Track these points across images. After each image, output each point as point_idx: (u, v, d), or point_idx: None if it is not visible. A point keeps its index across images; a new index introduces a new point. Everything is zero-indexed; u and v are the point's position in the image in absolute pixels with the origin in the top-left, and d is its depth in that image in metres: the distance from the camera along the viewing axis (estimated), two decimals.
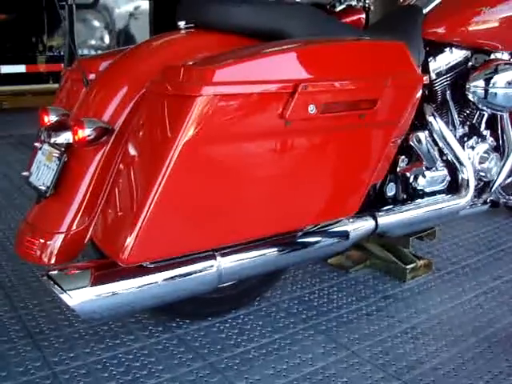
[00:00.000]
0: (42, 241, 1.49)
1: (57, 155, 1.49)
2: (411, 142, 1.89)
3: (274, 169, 1.45)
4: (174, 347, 1.74)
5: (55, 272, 1.39)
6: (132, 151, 1.41)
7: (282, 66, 1.34)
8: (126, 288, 1.42)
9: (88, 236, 1.50)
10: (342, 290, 2.12)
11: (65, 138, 1.46)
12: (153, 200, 1.28)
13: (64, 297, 1.35)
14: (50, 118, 1.62)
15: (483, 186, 2.28)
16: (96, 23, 6.21)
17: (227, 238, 1.49)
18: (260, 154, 1.40)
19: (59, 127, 1.51)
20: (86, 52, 5.82)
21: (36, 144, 1.61)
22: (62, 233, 1.49)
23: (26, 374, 1.58)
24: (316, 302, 2.03)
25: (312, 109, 1.38)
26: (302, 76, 1.36)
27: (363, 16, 4.23)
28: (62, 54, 5.62)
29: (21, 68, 5.70)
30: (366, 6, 4.40)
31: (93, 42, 6.11)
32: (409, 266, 2.20)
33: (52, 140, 1.47)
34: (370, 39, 1.64)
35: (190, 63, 1.34)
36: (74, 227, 1.48)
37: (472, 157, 2.18)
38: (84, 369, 1.62)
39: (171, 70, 1.34)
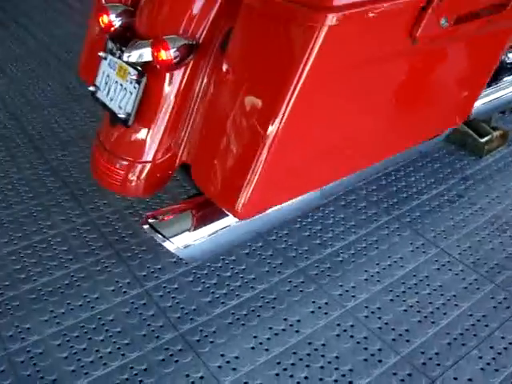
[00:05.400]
0: (125, 171, 1.36)
1: (134, 77, 1.28)
2: None
3: (402, 85, 1.30)
4: (261, 251, 1.69)
5: (155, 220, 1.28)
6: (231, 74, 1.19)
7: None
8: (226, 226, 1.32)
9: (177, 163, 1.36)
10: (419, 171, 2.03)
11: (139, 54, 1.26)
12: (273, 141, 1.10)
13: (167, 244, 1.27)
14: (111, 19, 1.38)
15: None
16: None
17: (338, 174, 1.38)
18: (384, 75, 1.22)
19: (127, 37, 1.29)
20: None
21: (100, 54, 1.39)
22: (148, 162, 1.35)
23: (118, 295, 1.55)
24: (395, 186, 1.95)
25: (444, 22, 1.16)
26: None
27: None
28: None
29: None
30: None
31: None
32: (484, 139, 2.08)
33: (125, 59, 1.27)
34: None
35: None
36: (160, 156, 1.35)
37: None
38: (176, 283, 1.59)
39: None
